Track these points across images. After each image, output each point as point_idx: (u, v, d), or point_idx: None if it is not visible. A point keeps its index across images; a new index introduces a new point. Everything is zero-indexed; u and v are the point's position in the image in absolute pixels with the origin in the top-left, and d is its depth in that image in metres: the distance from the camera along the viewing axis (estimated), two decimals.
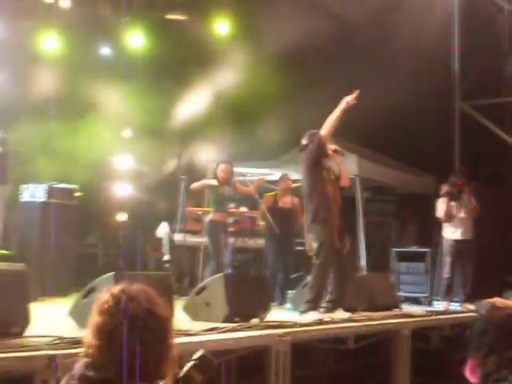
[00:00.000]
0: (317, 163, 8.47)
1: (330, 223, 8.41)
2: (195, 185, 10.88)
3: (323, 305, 8.41)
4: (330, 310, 8.39)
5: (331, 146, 8.75)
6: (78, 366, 2.64)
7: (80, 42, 13.71)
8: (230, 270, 10.49)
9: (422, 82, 14.21)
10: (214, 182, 10.56)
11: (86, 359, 2.63)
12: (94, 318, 2.64)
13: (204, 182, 11.13)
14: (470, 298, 11.08)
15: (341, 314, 8.29)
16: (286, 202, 11.28)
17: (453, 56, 15.66)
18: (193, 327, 6.29)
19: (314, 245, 8.43)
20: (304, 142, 8.66)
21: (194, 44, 13.63)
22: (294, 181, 11.19)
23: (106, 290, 2.71)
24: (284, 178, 11.40)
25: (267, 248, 11.47)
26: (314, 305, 8.28)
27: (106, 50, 14.80)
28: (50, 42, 13.66)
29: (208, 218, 10.62)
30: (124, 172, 14.49)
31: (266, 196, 11.42)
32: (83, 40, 13.80)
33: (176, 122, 13.74)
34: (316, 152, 8.43)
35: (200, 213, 12.21)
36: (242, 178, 11.10)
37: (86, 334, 2.66)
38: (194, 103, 13.61)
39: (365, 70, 14.05)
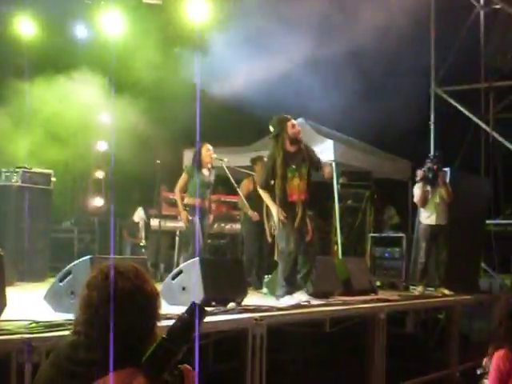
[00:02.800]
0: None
1: (290, 213, 8.53)
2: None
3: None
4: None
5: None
6: (64, 346, 2.64)
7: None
8: (205, 255, 10.39)
9: (398, 67, 14.24)
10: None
11: (71, 339, 2.63)
12: (83, 293, 2.64)
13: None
14: (444, 283, 11.15)
15: (302, 296, 8.32)
16: None
17: (429, 42, 15.68)
18: (169, 311, 6.27)
19: (277, 231, 8.61)
20: (272, 129, 8.64)
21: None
22: None
23: (97, 267, 2.71)
24: (258, 159, 11.25)
25: (244, 233, 11.48)
26: (288, 289, 8.35)
27: (82, 32, 14.64)
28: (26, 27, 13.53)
29: (185, 202, 10.41)
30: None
31: (244, 182, 11.37)
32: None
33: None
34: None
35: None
36: (219, 161, 11.00)
37: (76, 310, 2.66)
38: None
39: (340, 55, 14.07)
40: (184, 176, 10.29)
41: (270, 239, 9.40)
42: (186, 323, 2.54)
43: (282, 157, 8.49)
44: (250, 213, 10.79)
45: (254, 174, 11.25)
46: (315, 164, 8.88)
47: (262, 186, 8.72)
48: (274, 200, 8.57)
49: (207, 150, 10.32)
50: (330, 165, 9.03)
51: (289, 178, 8.53)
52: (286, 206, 8.52)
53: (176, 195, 10.33)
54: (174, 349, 2.50)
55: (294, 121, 8.70)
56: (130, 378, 2.45)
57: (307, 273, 8.60)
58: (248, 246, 11.25)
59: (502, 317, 4.49)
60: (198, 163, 10.22)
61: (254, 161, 11.34)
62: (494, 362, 4.42)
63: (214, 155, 10.47)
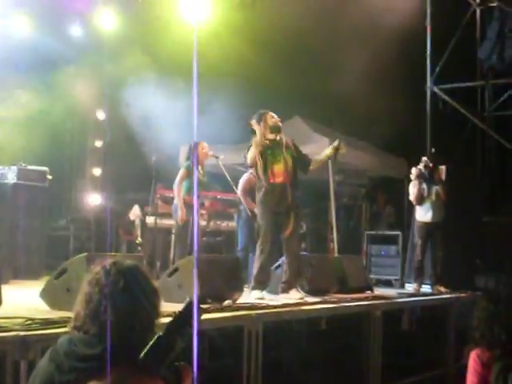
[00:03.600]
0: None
1: (269, 207, 8.52)
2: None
3: (280, 284, 8.51)
4: (284, 290, 8.47)
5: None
6: (63, 342, 2.64)
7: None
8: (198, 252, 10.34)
9: (394, 65, 14.25)
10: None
11: (70, 335, 2.66)
12: (84, 288, 2.67)
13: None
14: (440, 281, 11.16)
15: (296, 294, 8.33)
16: None
17: (425, 39, 15.68)
18: (165, 309, 6.27)
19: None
20: (253, 123, 8.66)
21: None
22: None
23: (99, 264, 2.72)
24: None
25: (239, 230, 11.49)
26: (260, 285, 8.41)
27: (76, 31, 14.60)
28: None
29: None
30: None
31: (245, 177, 11.35)
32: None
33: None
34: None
35: (172, 195, 12.15)
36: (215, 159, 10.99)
37: (76, 306, 2.69)
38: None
39: (337, 53, 14.08)
40: (184, 172, 10.30)
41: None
42: (182, 318, 2.54)
43: (262, 142, 8.53)
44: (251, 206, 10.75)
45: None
46: (303, 157, 8.90)
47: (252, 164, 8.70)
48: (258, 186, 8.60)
49: (203, 148, 10.34)
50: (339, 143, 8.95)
51: (270, 160, 8.54)
52: (268, 188, 8.52)
53: (175, 191, 10.29)
54: (170, 346, 2.51)
55: (272, 113, 8.74)
56: (127, 374, 2.46)
57: (293, 273, 8.58)
58: (244, 243, 11.27)
59: (480, 319, 4.46)
60: (195, 161, 10.22)
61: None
62: (470, 363, 4.39)
63: (210, 152, 10.48)
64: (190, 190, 10.28)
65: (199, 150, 10.32)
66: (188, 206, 10.26)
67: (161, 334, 2.52)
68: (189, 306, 2.58)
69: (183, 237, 10.22)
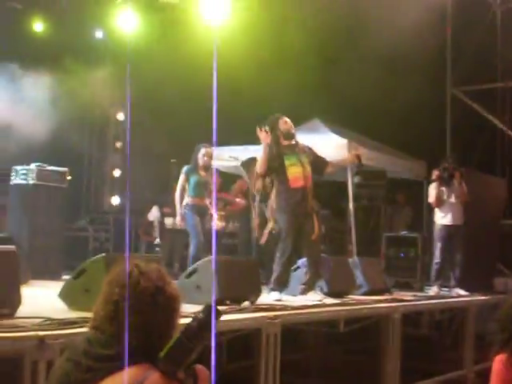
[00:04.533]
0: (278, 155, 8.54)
1: (290, 211, 8.50)
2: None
3: (299, 286, 8.51)
4: (303, 292, 8.46)
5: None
6: (81, 341, 2.66)
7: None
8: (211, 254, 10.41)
9: (415, 67, 14.20)
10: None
11: (88, 334, 2.67)
12: (104, 289, 2.67)
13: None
14: (460, 284, 11.12)
15: (314, 295, 8.31)
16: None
17: (445, 41, 15.62)
18: (183, 309, 6.27)
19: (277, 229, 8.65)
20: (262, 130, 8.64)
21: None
22: None
23: (120, 265, 2.72)
24: (250, 162, 11.39)
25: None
26: (279, 287, 8.41)
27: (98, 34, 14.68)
28: (41, 25, 13.58)
29: (185, 201, 10.48)
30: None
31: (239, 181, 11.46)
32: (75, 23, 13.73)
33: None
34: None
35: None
36: (234, 160, 11.10)
37: (95, 306, 2.70)
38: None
39: (357, 56, 14.04)
40: (182, 178, 10.46)
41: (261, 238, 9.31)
42: (201, 323, 2.54)
43: (277, 148, 8.53)
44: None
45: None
46: (319, 160, 8.90)
47: (262, 172, 8.69)
48: (277, 191, 8.58)
49: (203, 155, 10.46)
50: (355, 149, 8.99)
51: (287, 165, 8.54)
52: (288, 193, 8.52)
53: (175, 196, 10.48)
54: (189, 347, 2.51)
55: (285, 118, 8.74)
56: (145, 374, 2.47)
57: (313, 275, 8.57)
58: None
59: (506, 321, 4.41)
60: (193, 163, 10.45)
61: (245, 164, 11.42)
62: (495, 367, 4.33)
63: (229, 155, 10.62)
64: (194, 190, 10.39)
65: (199, 155, 10.47)
66: (195, 206, 10.38)
67: (180, 335, 2.52)
68: (208, 310, 2.58)
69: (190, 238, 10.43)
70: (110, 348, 2.54)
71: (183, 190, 10.41)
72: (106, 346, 2.55)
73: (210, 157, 10.50)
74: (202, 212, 10.44)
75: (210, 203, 10.58)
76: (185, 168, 10.56)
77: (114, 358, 2.50)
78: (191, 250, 10.30)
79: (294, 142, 8.72)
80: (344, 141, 12.84)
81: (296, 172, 8.57)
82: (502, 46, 15.60)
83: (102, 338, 2.59)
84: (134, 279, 2.62)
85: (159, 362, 2.49)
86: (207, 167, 10.52)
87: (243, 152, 12.46)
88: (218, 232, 11.73)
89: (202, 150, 10.50)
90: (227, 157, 12.48)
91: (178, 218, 10.36)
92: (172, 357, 2.50)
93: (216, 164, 12.32)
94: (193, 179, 10.40)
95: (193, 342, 2.52)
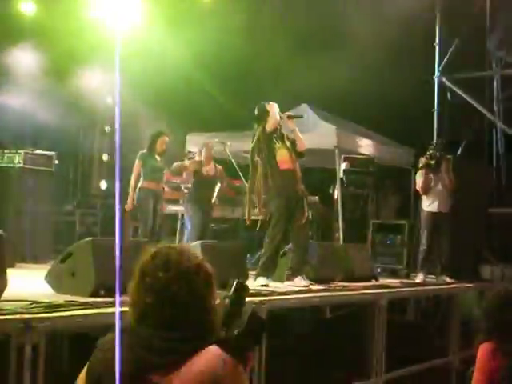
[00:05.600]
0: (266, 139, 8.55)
1: (281, 193, 8.50)
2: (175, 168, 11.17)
3: (286, 272, 8.51)
4: (289, 277, 8.45)
5: (285, 114, 8.81)
6: (126, 338, 2.49)
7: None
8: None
9: (402, 54, 14.21)
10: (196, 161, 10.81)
11: (132, 329, 2.56)
12: (144, 277, 2.58)
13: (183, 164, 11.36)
14: (446, 271, 11.15)
15: (301, 281, 8.31)
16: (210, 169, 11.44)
17: (434, 28, 15.62)
18: None
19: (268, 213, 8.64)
20: (256, 112, 8.69)
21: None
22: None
23: (148, 251, 2.66)
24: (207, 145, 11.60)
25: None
26: (266, 272, 8.39)
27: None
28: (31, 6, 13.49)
29: (139, 185, 10.71)
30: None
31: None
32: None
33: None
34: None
35: (178, 181, 12.19)
36: (222, 145, 11.17)
37: (134, 298, 2.59)
38: None
39: (344, 42, 14.03)
40: (137, 162, 10.69)
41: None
42: (240, 302, 2.59)
43: (263, 131, 8.56)
44: None
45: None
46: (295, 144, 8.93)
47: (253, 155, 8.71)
48: (265, 173, 8.58)
49: (162, 143, 10.78)
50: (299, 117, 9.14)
51: (276, 147, 8.56)
52: (277, 174, 8.52)
53: (131, 181, 10.64)
54: (255, 329, 2.55)
55: (275, 104, 8.75)
56: (219, 359, 2.45)
57: (300, 260, 8.57)
58: None
59: (492, 309, 4.40)
60: (150, 150, 10.75)
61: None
62: (480, 356, 4.33)
63: (216, 139, 10.69)
64: (146, 176, 10.66)
65: (158, 141, 10.75)
66: (149, 190, 10.65)
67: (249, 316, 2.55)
68: (237, 286, 2.65)
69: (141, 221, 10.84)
70: (170, 335, 2.49)
71: (138, 175, 10.66)
72: (166, 335, 2.49)
73: (166, 144, 10.81)
74: (156, 197, 10.73)
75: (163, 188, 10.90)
76: (140, 154, 10.79)
77: (179, 344, 2.47)
78: (140, 232, 10.78)
79: (279, 127, 8.75)
80: (332, 127, 12.86)
81: (284, 155, 8.60)
82: (491, 34, 15.62)
83: (158, 330, 2.51)
84: (174, 260, 2.58)
85: (230, 345, 2.48)
86: (163, 154, 10.84)
87: (230, 137, 12.46)
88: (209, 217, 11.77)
89: (163, 138, 10.80)
90: (215, 143, 12.48)
91: (129, 202, 10.56)
92: (240, 339, 2.50)
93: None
94: (149, 164, 10.67)
95: (256, 324, 2.55)
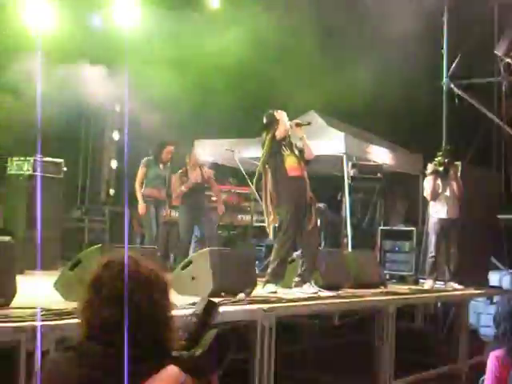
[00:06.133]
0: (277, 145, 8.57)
1: (291, 200, 8.50)
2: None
3: (295, 279, 8.50)
4: (298, 284, 8.45)
5: (293, 121, 8.84)
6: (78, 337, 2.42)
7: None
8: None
9: (410, 60, 14.20)
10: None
11: (81, 349, 2.38)
12: (99, 289, 2.43)
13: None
14: (455, 277, 11.13)
15: (309, 288, 8.31)
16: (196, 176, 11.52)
17: (441, 34, 15.62)
18: (178, 301, 6.28)
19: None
20: (265, 120, 8.73)
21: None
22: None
23: (100, 261, 2.51)
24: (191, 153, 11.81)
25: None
26: (275, 279, 8.37)
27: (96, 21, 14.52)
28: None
29: (143, 192, 10.92)
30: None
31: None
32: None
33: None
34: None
35: (185, 189, 12.23)
36: (230, 151, 11.30)
37: (78, 308, 2.47)
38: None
39: (353, 49, 14.05)
40: (141, 168, 10.97)
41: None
42: (202, 320, 2.50)
43: (272, 138, 8.58)
44: None
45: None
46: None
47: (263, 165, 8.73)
48: (275, 180, 8.59)
49: (168, 152, 11.04)
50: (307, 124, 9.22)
51: (284, 154, 8.58)
52: (286, 181, 8.54)
53: (136, 187, 10.91)
54: (220, 351, 2.45)
55: (284, 113, 8.76)
56: (181, 377, 2.32)
57: (309, 267, 8.57)
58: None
59: (501, 317, 4.40)
60: (155, 158, 11.06)
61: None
62: (490, 364, 4.32)
63: (226, 147, 10.85)
64: (149, 184, 10.94)
65: (164, 151, 11.02)
66: (150, 198, 10.91)
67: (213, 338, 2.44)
68: (207, 305, 2.54)
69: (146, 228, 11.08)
70: (127, 353, 2.27)
71: (142, 180, 10.90)
72: (121, 352, 2.26)
73: (171, 154, 11.07)
74: (157, 204, 10.99)
75: (168, 195, 11.02)
76: (145, 160, 11.02)
77: (134, 364, 2.27)
78: (146, 239, 10.98)
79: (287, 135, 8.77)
80: (341, 134, 12.86)
81: (293, 162, 8.61)
82: (499, 39, 15.59)
83: (106, 345, 2.33)
84: (132, 269, 2.41)
85: (190, 365, 2.35)
86: (167, 162, 11.07)
87: (238, 144, 12.51)
88: (213, 223, 11.84)
89: (169, 148, 11.03)
90: (224, 150, 12.52)
91: (141, 206, 10.80)
92: (202, 360, 2.38)
93: (213, 158, 12.53)
94: (152, 172, 10.92)
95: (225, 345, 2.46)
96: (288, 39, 14.02)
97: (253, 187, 11.01)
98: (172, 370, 2.31)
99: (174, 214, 12.34)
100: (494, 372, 4.27)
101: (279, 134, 8.58)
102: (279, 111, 8.74)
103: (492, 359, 4.30)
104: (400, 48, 13.64)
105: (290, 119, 8.86)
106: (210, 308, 2.53)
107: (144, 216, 10.89)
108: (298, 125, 8.92)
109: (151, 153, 11.11)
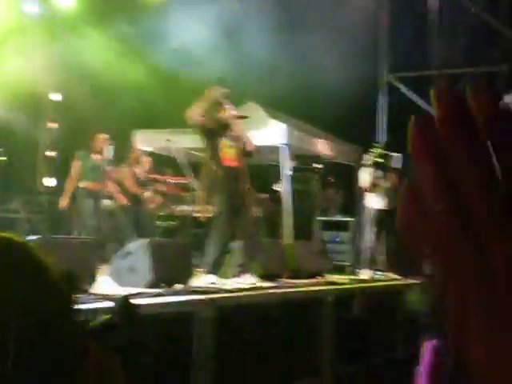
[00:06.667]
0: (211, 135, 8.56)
1: (224, 191, 8.50)
2: None
3: (233, 269, 8.52)
4: (237, 274, 8.49)
5: (232, 112, 8.79)
6: None
7: None
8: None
9: (350, 53, 14.29)
10: None
11: None
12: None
13: None
14: (392, 267, 11.24)
15: (248, 278, 8.33)
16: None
17: (381, 28, 15.75)
18: (118, 292, 6.23)
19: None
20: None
21: None
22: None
23: None
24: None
25: None
26: (213, 269, 8.39)
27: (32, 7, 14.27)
28: None
29: (80, 185, 10.85)
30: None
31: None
32: None
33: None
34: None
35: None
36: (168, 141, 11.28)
37: None
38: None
39: (292, 41, 14.08)
40: (76, 163, 10.87)
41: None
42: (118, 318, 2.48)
43: (208, 128, 8.58)
44: None
45: None
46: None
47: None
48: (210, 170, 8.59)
49: (100, 142, 10.96)
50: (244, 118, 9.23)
51: (222, 144, 8.61)
52: (222, 170, 8.53)
53: (69, 182, 10.88)
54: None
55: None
56: None
57: (248, 257, 8.58)
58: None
59: (437, 306, 4.40)
60: (87, 149, 10.97)
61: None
62: (426, 355, 4.32)
63: (166, 138, 10.85)
64: (86, 176, 10.83)
65: (95, 139, 10.93)
66: (87, 190, 10.85)
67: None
68: (125, 303, 2.52)
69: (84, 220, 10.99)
70: None
71: (75, 174, 10.79)
72: None
73: (105, 143, 10.95)
74: (96, 196, 10.94)
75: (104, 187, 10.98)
76: (78, 153, 10.96)
77: None
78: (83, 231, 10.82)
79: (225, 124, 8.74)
80: (281, 124, 12.86)
81: (230, 152, 8.59)
82: (437, 34, 15.78)
83: None
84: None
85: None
86: (101, 152, 10.95)
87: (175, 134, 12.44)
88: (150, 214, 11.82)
89: (101, 137, 10.95)
90: (161, 139, 12.45)
91: (63, 200, 10.84)
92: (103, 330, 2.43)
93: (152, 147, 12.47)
94: (89, 164, 10.82)
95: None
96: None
97: (192, 177, 10.99)
98: None
99: (114, 204, 12.23)
100: (428, 361, 4.28)
101: (214, 123, 8.53)
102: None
103: (427, 350, 4.32)
104: (340, 41, 13.72)
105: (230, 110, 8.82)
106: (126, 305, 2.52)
107: (81, 208, 10.82)
108: (236, 117, 8.89)
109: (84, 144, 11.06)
